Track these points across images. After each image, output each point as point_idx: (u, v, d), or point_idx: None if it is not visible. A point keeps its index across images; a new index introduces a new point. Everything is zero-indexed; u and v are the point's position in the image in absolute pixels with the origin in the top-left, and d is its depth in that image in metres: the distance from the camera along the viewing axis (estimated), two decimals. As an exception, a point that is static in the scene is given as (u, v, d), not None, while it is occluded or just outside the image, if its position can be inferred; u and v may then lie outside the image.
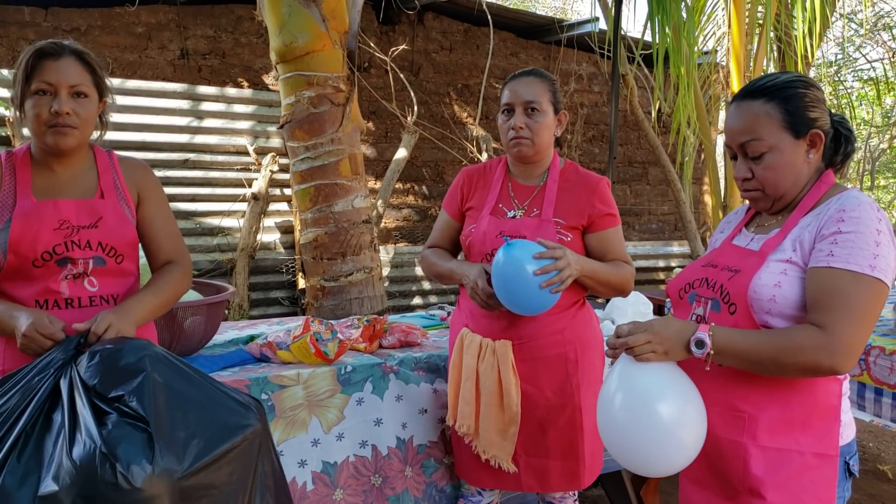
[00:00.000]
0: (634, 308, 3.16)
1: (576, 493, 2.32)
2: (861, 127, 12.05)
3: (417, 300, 6.10)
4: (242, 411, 1.60)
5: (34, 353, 1.61)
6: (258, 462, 1.59)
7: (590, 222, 2.17)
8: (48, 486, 1.36)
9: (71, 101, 1.74)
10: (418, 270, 6.11)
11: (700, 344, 1.44)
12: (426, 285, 6.15)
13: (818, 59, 6.60)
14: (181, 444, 1.43)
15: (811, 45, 5.11)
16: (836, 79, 8.61)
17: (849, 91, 8.91)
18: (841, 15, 7.42)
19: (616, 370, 1.53)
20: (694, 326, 1.48)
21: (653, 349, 1.46)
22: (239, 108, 5.25)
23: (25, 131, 3.83)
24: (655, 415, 1.43)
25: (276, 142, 5.31)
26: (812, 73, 7.64)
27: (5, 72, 4.42)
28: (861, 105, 11.99)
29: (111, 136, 4.54)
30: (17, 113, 1.77)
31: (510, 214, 2.21)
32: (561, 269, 1.96)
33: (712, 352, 1.45)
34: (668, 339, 1.47)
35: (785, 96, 1.53)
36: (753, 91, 1.56)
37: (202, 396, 1.56)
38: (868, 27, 8.27)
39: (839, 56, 9.04)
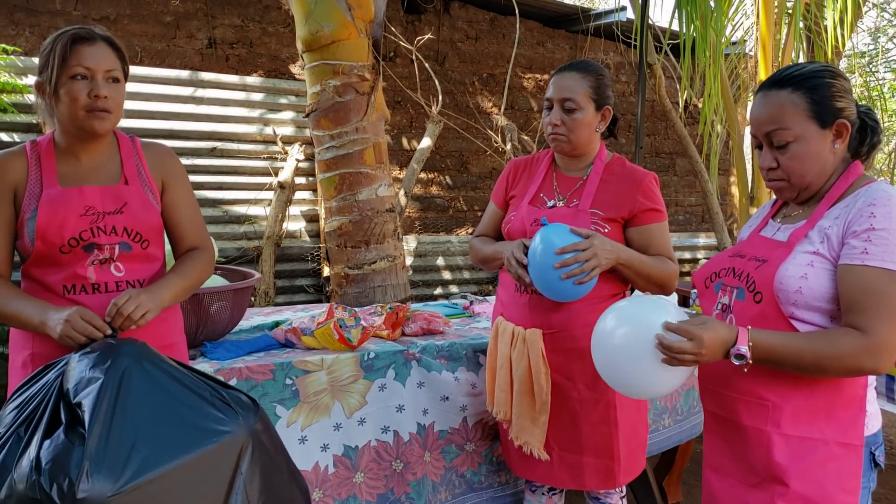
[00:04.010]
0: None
1: (623, 489, 2.30)
2: (893, 119, 11.84)
3: (440, 290, 6.11)
4: (221, 417, 1.49)
5: (75, 340, 1.62)
6: (238, 468, 1.48)
7: (631, 216, 2.15)
8: (1, 494, 1.35)
9: (107, 86, 1.77)
10: (441, 260, 6.12)
11: (739, 357, 1.45)
12: (448, 275, 6.16)
13: (849, 50, 6.49)
14: (122, 459, 1.34)
15: (842, 36, 5.03)
16: (868, 69, 8.47)
17: (880, 82, 8.76)
18: (874, 5, 7.29)
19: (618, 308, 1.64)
20: (735, 334, 1.47)
21: (696, 359, 1.46)
22: (266, 98, 5.28)
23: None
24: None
25: (302, 131, 5.34)
26: (843, 64, 7.52)
27: (36, 60, 4.47)
28: (893, 97, 11.78)
29: (139, 124, 4.62)
30: (50, 99, 1.78)
31: (549, 204, 2.22)
32: (586, 260, 1.96)
33: (751, 362, 1.45)
34: (712, 350, 1.46)
35: (811, 86, 1.51)
36: (780, 80, 1.55)
37: (169, 404, 1.46)
38: (902, 17, 8.11)
39: (871, 46, 8.89)
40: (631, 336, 1.55)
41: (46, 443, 1.37)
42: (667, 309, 1.56)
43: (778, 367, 1.47)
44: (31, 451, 1.36)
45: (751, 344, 1.45)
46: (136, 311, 1.68)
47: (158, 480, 1.36)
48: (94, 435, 1.35)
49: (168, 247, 2.05)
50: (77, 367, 1.49)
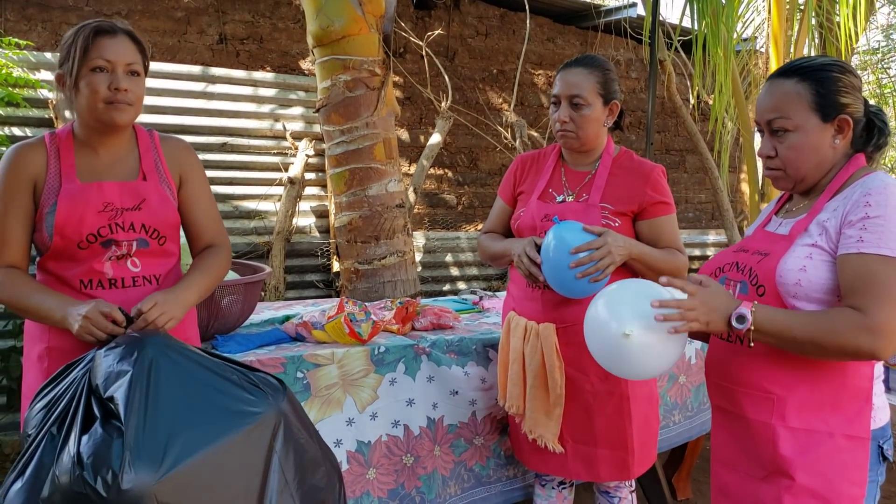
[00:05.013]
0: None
1: (632, 483, 2.32)
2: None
3: (448, 286, 6.11)
4: (251, 398, 1.54)
5: (95, 337, 1.64)
6: (272, 447, 1.52)
7: (641, 209, 2.16)
8: (45, 491, 1.37)
9: (127, 79, 1.78)
10: (450, 257, 6.13)
11: (741, 319, 1.45)
12: (457, 272, 6.16)
13: (861, 46, 6.45)
14: (161, 447, 1.37)
15: (854, 32, 5.00)
16: (881, 66, 8.42)
17: (893, 79, 8.70)
18: (887, 1, 7.24)
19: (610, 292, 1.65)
20: (738, 302, 1.48)
21: (696, 318, 1.47)
22: (276, 93, 5.29)
23: (67, 113, 3.89)
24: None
25: (312, 126, 5.35)
26: (855, 61, 7.48)
27: (48, 55, 4.50)
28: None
29: (150, 119, 4.63)
30: (70, 91, 1.79)
31: (559, 199, 2.23)
32: (601, 259, 1.97)
33: (752, 328, 1.45)
34: (713, 310, 1.47)
35: (818, 78, 1.52)
36: (788, 70, 1.57)
37: (200, 391, 1.50)
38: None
39: (884, 43, 8.83)
40: (616, 327, 1.57)
41: (84, 438, 1.39)
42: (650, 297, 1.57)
43: (777, 343, 1.47)
44: (71, 447, 1.39)
45: (753, 309, 1.45)
46: (161, 318, 1.70)
47: (198, 465, 1.39)
48: (131, 427, 1.37)
49: (183, 239, 2.06)
50: (103, 362, 1.51)
